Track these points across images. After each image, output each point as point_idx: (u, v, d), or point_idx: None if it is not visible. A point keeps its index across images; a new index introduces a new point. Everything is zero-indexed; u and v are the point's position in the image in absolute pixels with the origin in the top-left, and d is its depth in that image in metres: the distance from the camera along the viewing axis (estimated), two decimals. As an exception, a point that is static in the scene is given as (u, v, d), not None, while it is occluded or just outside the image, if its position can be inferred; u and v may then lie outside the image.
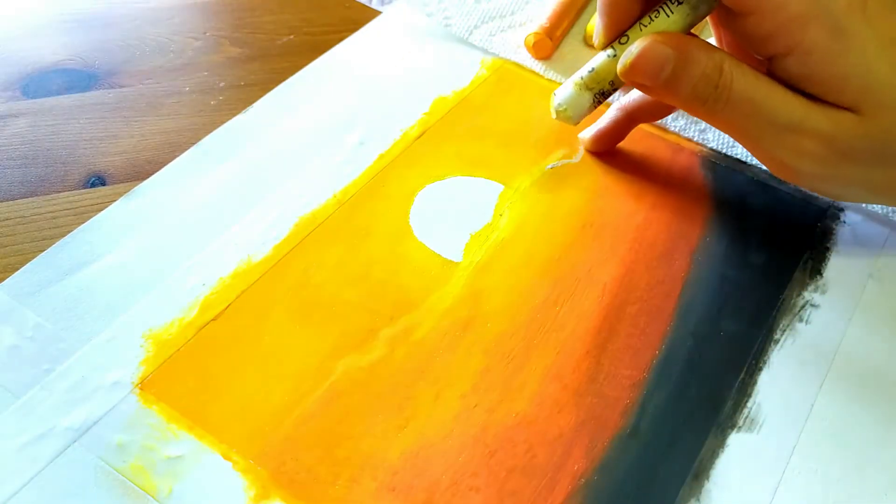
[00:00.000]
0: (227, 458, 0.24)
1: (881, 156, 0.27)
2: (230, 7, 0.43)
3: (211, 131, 0.35)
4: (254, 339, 0.27)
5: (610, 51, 0.29)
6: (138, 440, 0.25)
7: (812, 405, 0.26)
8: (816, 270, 0.31)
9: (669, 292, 0.29)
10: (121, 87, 0.38)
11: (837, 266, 0.31)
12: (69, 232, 0.30)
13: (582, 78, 0.30)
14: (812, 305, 0.29)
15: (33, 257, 0.29)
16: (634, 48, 0.27)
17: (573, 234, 0.31)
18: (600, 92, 0.30)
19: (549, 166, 0.34)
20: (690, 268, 0.30)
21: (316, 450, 0.25)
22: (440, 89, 0.38)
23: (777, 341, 0.28)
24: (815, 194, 0.33)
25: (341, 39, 0.40)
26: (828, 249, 0.31)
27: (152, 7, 0.43)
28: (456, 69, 0.39)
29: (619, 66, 0.28)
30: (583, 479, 0.24)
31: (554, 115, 0.31)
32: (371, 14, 0.43)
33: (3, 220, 0.31)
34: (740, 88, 0.26)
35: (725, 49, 0.31)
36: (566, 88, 0.30)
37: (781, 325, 0.29)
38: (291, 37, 0.41)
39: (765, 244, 0.31)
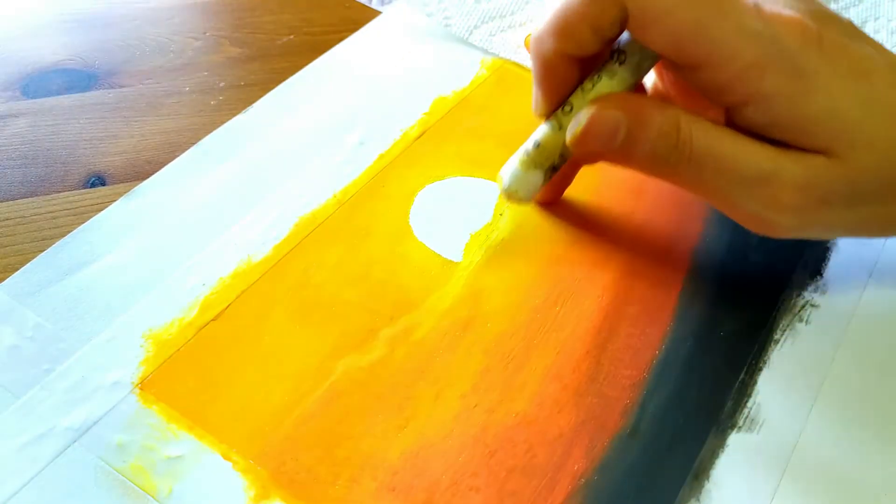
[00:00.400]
0: (227, 458, 0.24)
1: (860, 196, 0.25)
2: (230, 7, 0.43)
3: (211, 131, 0.35)
4: (254, 339, 0.27)
5: (554, 122, 0.27)
6: (138, 440, 0.25)
7: (812, 405, 0.26)
8: (816, 270, 0.31)
9: (669, 292, 0.29)
10: (121, 87, 0.38)
11: (837, 266, 0.31)
12: (69, 232, 0.30)
13: (528, 154, 0.27)
14: (812, 305, 0.29)
15: (33, 257, 0.29)
16: (582, 117, 0.25)
17: (573, 235, 0.31)
18: (551, 167, 0.28)
19: None
20: (690, 268, 0.30)
21: (316, 450, 0.25)
22: (440, 89, 0.38)
23: (777, 341, 0.28)
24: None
25: (341, 39, 0.40)
26: (828, 249, 0.31)
27: (152, 7, 0.43)
28: (456, 69, 0.39)
29: (569, 138, 0.26)
30: (583, 479, 0.24)
31: (504, 198, 0.29)
32: (371, 14, 0.43)
33: (3, 220, 0.31)
34: (701, 144, 0.25)
35: (675, 97, 0.29)
36: (513, 169, 0.28)
37: (781, 325, 0.29)
38: (291, 37, 0.41)
39: (765, 244, 0.31)
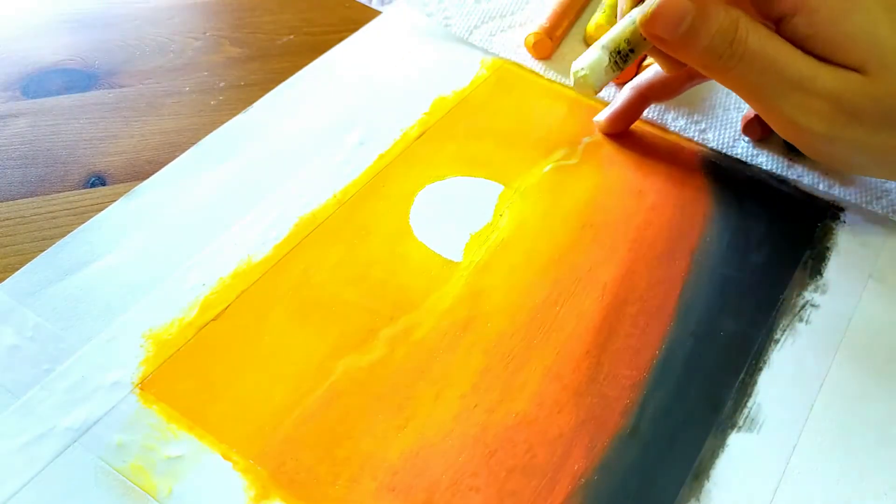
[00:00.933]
0: (227, 458, 0.24)
1: (886, 118, 0.27)
2: (230, 7, 0.43)
3: (211, 131, 0.35)
4: (254, 339, 0.27)
5: (629, 17, 0.30)
6: (138, 440, 0.25)
7: (812, 405, 0.26)
8: (816, 270, 0.31)
9: (669, 292, 0.29)
10: (121, 87, 0.38)
11: (837, 266, 0.31)
12: (69, 232, 0.30)
13: (602, 44, 0.30)
14: (812, 305, 0.29)
15: (33, 257, 0.29)
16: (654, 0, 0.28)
17: (573, 234, 0.31)
18: (617, 52, 0.30)
19: (547, 168, 0.34)
20: (690, 268, 0.30)
21: (316, 450, 0.25)
22: (440, 89, 0.38)
23: (777, 341, 0.28)
24: (815, 193, 0.33)
25: (341, 39, 0.40)
26: (828, 249, 0.31)
27: (152, 7, 0.43)
28: (456, 69, 0.39)
29: (639, 17, 0.28)
30: (583, 479, 0.24)
31: (574, 85, 0.31)
32: (371, 14, 0.43)
33: (3, 220, 0.31)
34: (755, 45, 0.27)
35: None
36: (586, 54, 0.31)
37: (781, 325, 0.29)
38: (291, 37, 0.41)
39: (765, 244, 0.31)
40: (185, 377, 0.26)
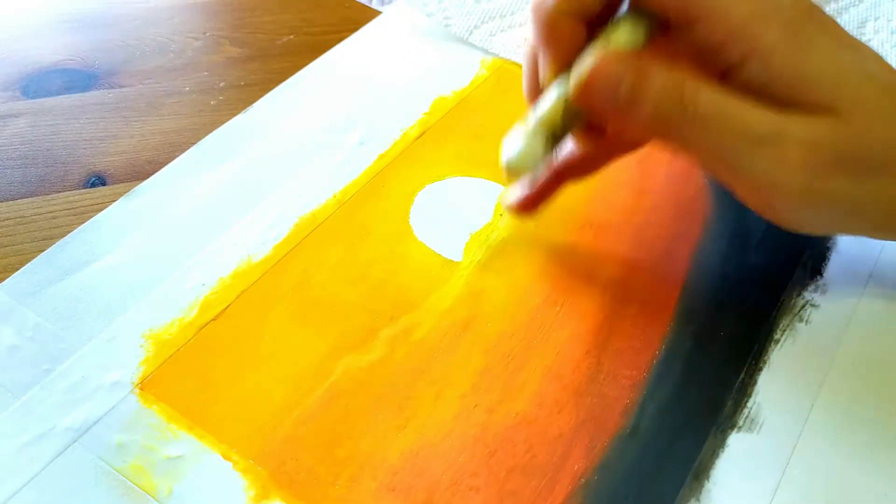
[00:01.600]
0: (227, 458, 0.24)
1: (867, 162, 0.24)
2: (230, 7, 0.43)
3: (211, 131, 0.35)
4: (254, 339, 0.27)
5: (555, 89, 0.26)
6: (138, 440, 0.25)
7: (812, 405, 0.26)
8: (816, 270, 0.31)
9: (669, 292, 0.29)
10: (121, 87, 0.38)
11: (837, 266, 0.31)
12: (69, 232, 0.30)
13: (528, 122, 0.26)
14: (812, 305, 0.29)
15: (33, 257, 0.29)
16: (585, 66, 0.24)
17: (573, 234, 0.31)
18: (552, 135, 0.26)
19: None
20: (690, 268, 0.30)
21: (316, 450, 0.25)
22: (440, 89, 0.38)
23: (777, 341, 0.28)
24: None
25: (341, 39, 0.40)
26: (828, 249, 0.31)
27: (152, 7, 0.43)
28: (456, 69, 0.39)
29: (572, 87, 0.25)
30: (583, 479, 0.24)
31: (504, 171, 0.27)
32: (371, 14, 0.43)
33: (3, 220, 0.31)
34: (707, 102, 0.24)
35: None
36: (516, 140, 0.26)
37: (781, 325, 0.29)
38: (291, 37, 0.41)
39: (765, 244, 0.31)
40: (185, 377, 0.26)
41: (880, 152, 0.24)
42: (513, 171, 0.27)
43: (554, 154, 0.26)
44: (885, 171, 0.24)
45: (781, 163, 0.24)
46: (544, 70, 0.26)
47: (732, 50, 0.24)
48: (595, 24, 0.26)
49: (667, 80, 0.24)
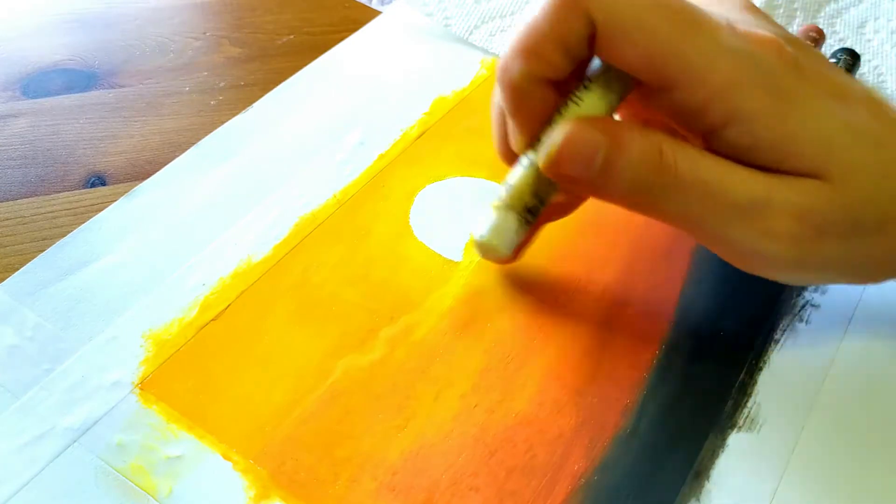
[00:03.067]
0: (227, 458, 0.24)
1: (859, 224, 0.23)
2: (230, 7, 0.43)
3: (211, 131, 0.35)
4: (254, 339, 0.27)
5: (525, 159, 0.24)
6: (138, 440, 0.25)
7: (812, 405, 0.26)
8: (816, 270, 0.31)
9: (669, 292, 0.29)
10: (121, 87, 0.38)
11: (837, 266, 0.31)
12: (69, 232, 0.30)
13: (500, 198, 0.24)
14: (812, 305, 0.29)
15: (33, 257, 0.29)
16: (556, 136, 0.23)
17: (573, 234, 0.31)
18: (526, 210, 0.24)
19: None
20: (690, 268, 0.30)
21: (316, 450, 0.25)
22: (440, 89, 0.38)
23: (777, 341, 0.28)
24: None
25: (341, 39, 0.40)
26: (828, 249, 0.31)
27: (152, 7, 0.43)
28: (456, 69, 0.39)
29: (542, 160, 0.23)
30: (583, 479, 0.24)
31: (477, 251, 0.25)
32: (371, 14, 0.43)
33: (3, 220, 0.31)
34: (687, 168, 0.22)
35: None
36: (484, 216, 0.24)
37: (781, 325, 0.29)
38: (291, 37, 0.41)
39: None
40: (185, 377, 0.26)
41: (872, 213, 0.23)
42: (486, 250, 0.25)
43: (528, 229, 0.25)
44: (877, 230, 0.23)
45: (769, 234, 0.22)
46: (514, 136, 0.25)
47: (714, 114, 0.22)
48: (565, 85, 0.24)
49: (644, 147, 0.22)
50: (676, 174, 0.22)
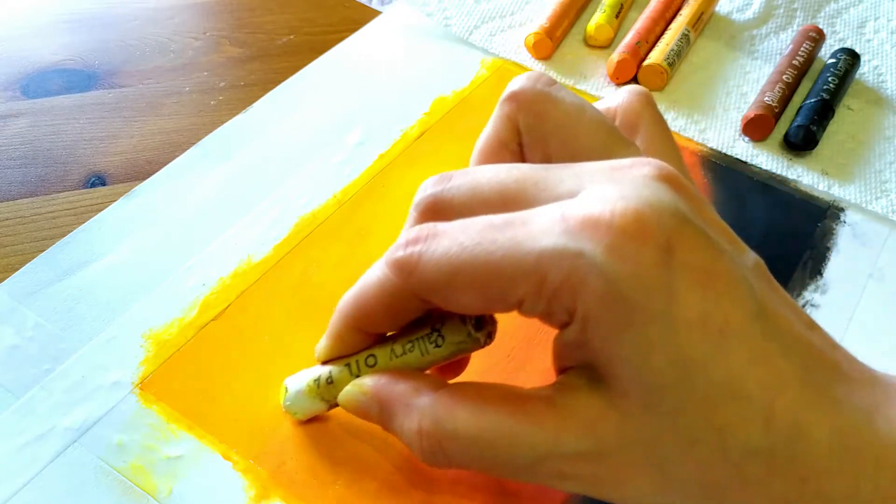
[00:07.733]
0: (227, 458, 0.24)
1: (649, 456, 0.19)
2: (230, 7, 0.43)
3: (211, 131, 0.35)
4: (254, 339, 0.27)
5: (353, 365, 0.23)
6: (138, 440, 0.25)
7: (812, 405, 0.26)
8: (816, 270, 0.31)
9: (669, 292, 0.29)
10: (121, 87, 0.38)
11: (837, 266, 0.31)
12: (69, 232, 0.30)
13: (318, 385, 0.24)
14: (812, 305, 0.29)
15: (33, 257, 0.29)
16: (344, 390, 0.23)
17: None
18: (335, 403, 0.24)
19: None
20: (690, 268, 0.30)
21: (316, 450, 0.25)
22: (440, 89, 0.38)
23: (777, 341, 0.28)
24: (815, 194, 0.33)
25: (341, 39, 0.40)
26: (828, 249, 0.31)
27: (152, 7, 0.43)
28: (456, 69, 0.39)
29: (338, 397, 0.23)
30: (583, 479, 0.24)
31: (283, 408, 0.25)
32: (371, 14, 0.43)
33: (3, 220, 0.31)
34: (457, 446, 0.20)
35: None
36: (299, 390, 0.24)
37: (781, 325, 0.29)
38: (291, 37, 0.41)
39: (765, 244, 0.31)
40: (185, 377, 0.26)
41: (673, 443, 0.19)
42: (289, 414, 0.25)
43: (326, 406, 0.24)
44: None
45: (561, 476, 0.20)
46: (324, 343, 0.24)
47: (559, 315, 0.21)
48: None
49: (411, 423, 0.21)
50: (441, 447, 0.20)
